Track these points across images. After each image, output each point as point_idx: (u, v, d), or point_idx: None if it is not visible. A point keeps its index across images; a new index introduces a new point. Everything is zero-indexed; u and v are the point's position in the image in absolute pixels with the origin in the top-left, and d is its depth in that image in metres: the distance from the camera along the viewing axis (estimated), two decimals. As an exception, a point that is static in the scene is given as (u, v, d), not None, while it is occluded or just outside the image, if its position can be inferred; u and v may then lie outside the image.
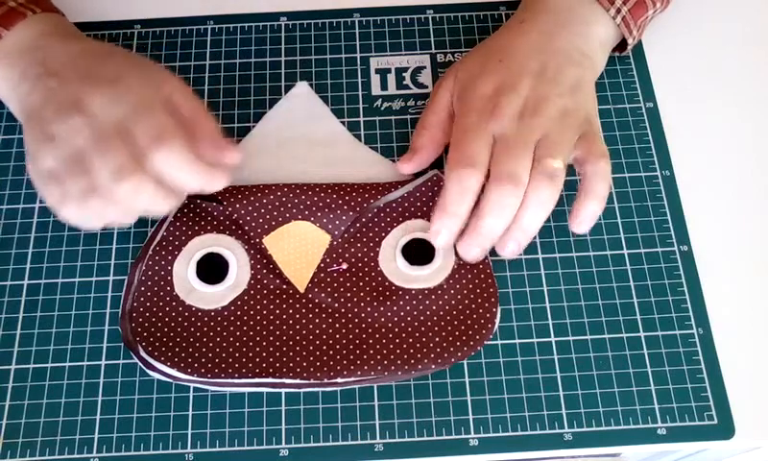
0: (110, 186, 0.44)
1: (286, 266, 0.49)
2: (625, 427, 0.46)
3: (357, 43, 0.58)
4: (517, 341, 0.48)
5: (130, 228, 0.51)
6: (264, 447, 0.46)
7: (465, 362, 0.48)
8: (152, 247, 0.50)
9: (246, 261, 0.49)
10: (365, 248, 0.50)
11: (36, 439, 0.46)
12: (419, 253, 0.50)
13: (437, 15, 0.59)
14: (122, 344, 0.48)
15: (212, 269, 0.49)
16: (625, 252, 0.51)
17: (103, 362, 0.48)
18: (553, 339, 0.48)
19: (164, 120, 0.45)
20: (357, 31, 0.59)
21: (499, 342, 0.48)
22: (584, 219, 0.49)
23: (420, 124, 0.54)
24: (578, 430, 0.46)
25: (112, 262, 0.50)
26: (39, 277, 0.50)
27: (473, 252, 0.49)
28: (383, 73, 0.57)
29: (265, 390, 0.47)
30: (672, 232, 0.51)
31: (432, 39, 0.58)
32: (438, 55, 0.58)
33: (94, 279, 0.50)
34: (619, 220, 0.52)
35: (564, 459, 0.54)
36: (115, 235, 0.51)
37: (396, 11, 0.60)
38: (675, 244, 0.51)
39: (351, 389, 0.47)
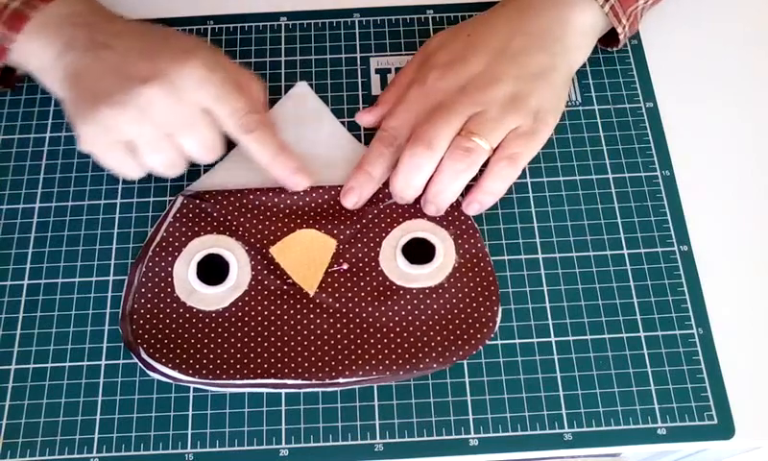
0: (196, 158, 0.49)
1: (295, 272, 0.49)
2: (625, 427, 0.46)
3: (357, 43, 0.58)
4: (517, 341, 0.48)
5: (130, 228, 0.51)
6: (264, 447, 0.46)
7: (465, 362, 0.48)
8: (151, 248, 0.50)
9: (246, 262, 0.49)
10: (365, 248, 0.50)
11: (36, 439, 0.46)
12: (419, 253, 0.50)
13: (437, 15, 0.59)
14: (122, 344, 0.48)
15: (213, 270, 0.49)
16: (625, 252, 0.51)
17: (103, 362, 0.48)
18: (553, 339, 0.48)
19: (244, 103, 0.48)
20: (357, 31, 0.59)
21: (499, 342, 0.48)
22: (471, 202, 0.51)
23: (389, 83, 0.55)
24: (578, 430, 0.46)
25: (112, 262, 0.50)
26: (39, 277, 0.50)
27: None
28: (383, 73, 0.57)
29: (266, 390, 0.47)
30: (672, 232, 0.51)
31: (432, 39, 0.58)
32: (438, 55, 0.58)
33: (94, 279, 0.50)
34: (619, 220, 0.52)
35: (564, 459, 0.54)
36: (115, 235, 0.51)
37: (396, 11, 0.60)
38: (675, 244, 0.51)
39: (351, 389, 0.47)
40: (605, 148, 0.54)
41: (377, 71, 0.57)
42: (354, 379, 0.46)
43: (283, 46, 0.58)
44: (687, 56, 0.58)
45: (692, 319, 0.49)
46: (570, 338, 0.48)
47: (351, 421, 0.46)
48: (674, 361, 0.48)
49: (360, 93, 0.56)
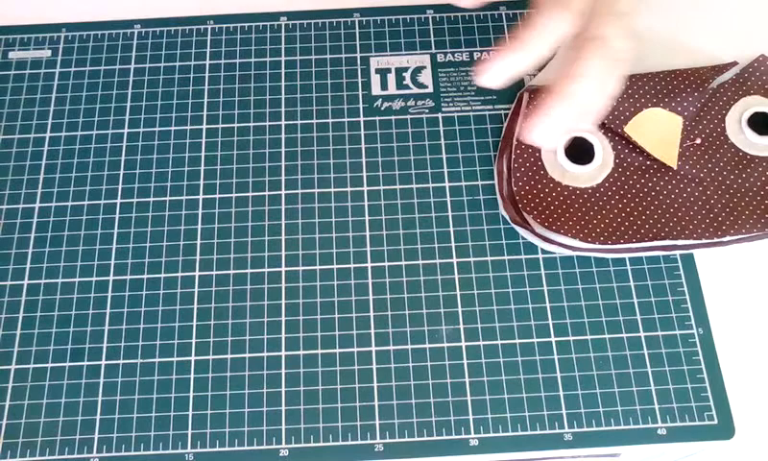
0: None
1: (653, 148, 0.52)
2: (625, 427, 0.46)
3: (357, 43, 0.58)
4: (517, 341, 0.48)
5: (130, 228, 0.51)
6: (264, 447, 0.46)
7: (465, 362, 0.48)
8: (514, 139, 0.52)
9: (606, 143, 0.52)
10: (710, 124, 0.53)
11: (36, 439, 0.46)
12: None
13: (437, 15, 0.59)
14: (122, 344, 0.48)
15: (575, 152, 0.52)
16: (625, 252, 0.51)
17: (103, 362, 0.48)
18: (553, 339, 0.48)
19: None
20: (357, 31, 0.59)
21: (499, 342, 0.48)
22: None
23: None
24: (578, 430, 0.46)
25: (112, 262, 0.50)
26: (39, 277, 0.50)
27: None
28: (383, 73, 0.57)
29: (659, 253, 0.49)
30: (672, 232, 0.51)
31: (432, 39, 0.58)
32: (438, 55, 0.58)
33: (94, 279, 0.50)
34: (619, 220, 0.52)
35: (564, 459, 0.54)
36: (115, 235, 0.51)
37: (396, 10, 0.60)
38: (675, 244, 0.51)
39: (351, 389, 0.47)
40: (605, 148, 0.54)
41: (377, 71, 0.57)
42: (737, 237, 0.49)
43: (283, 46, 0.58)
44: (687, 56, 0.58)
45: (692, 319, 0.49)
46: (570, 338, 0.48)
47: (351, 421, 0.46)
48: (674, 361, 0.48)
49: (360, 93, 0.56)
